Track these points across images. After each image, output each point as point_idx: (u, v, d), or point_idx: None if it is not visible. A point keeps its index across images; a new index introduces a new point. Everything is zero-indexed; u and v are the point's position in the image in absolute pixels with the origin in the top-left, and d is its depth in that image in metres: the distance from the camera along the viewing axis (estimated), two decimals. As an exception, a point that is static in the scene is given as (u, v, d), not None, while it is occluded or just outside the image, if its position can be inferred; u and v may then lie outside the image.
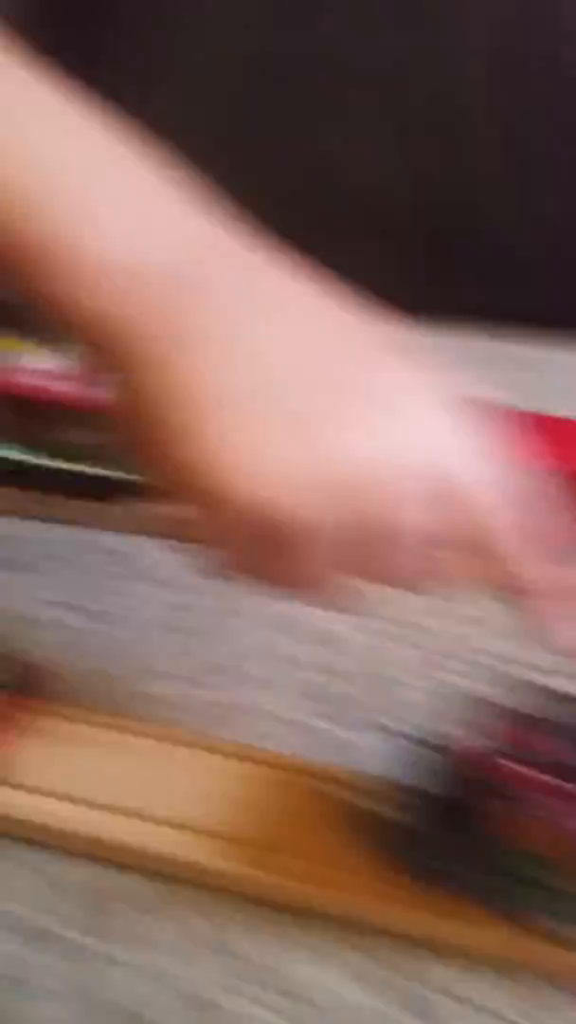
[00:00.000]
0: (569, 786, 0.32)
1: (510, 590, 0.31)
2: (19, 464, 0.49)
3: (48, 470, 0.48)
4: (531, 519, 0.30)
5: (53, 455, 0.48)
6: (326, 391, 0.28)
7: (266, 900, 0.35)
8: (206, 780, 0.38)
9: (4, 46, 0.28)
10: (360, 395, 0.28)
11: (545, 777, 0.32)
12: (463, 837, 0.33)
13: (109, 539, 0.51)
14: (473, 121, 0.62)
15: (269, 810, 0.37)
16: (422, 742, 0.36)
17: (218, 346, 0.27)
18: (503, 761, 0.33)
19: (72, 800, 0.37)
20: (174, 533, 0.45)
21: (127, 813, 0.37)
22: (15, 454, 0.49)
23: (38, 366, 0.47)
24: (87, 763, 0.39)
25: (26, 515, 0.51)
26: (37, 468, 0.49)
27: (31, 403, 0.47)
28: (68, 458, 0.48)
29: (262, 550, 0.28)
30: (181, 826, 0.37)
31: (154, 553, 0.49)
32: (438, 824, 0.34)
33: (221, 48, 0.62)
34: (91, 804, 0.37)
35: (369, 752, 0.40)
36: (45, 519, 0.51)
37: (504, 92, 0.61)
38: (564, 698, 0.35)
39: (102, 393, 0.30)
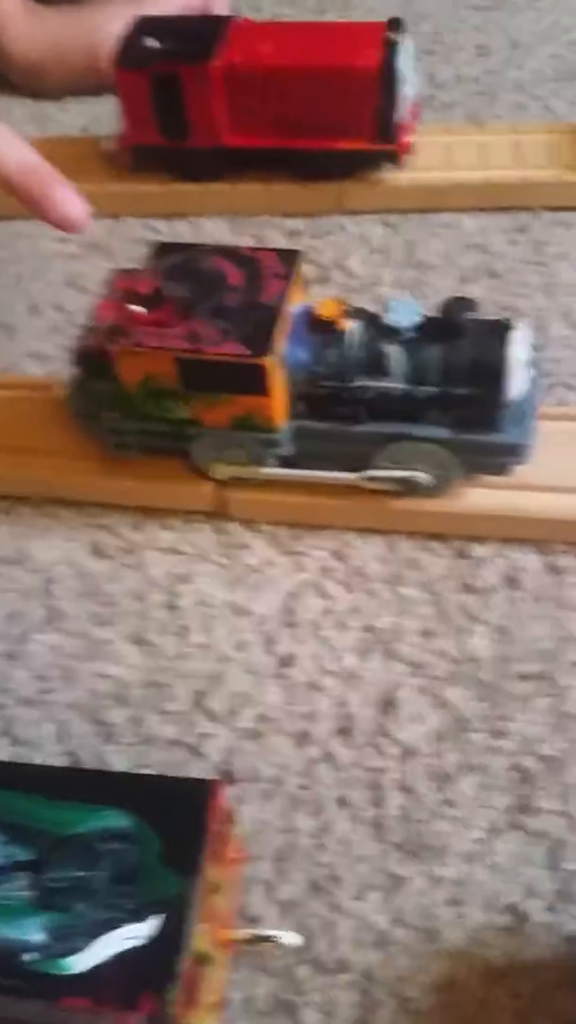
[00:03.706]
0: (161, 312, 0.36)
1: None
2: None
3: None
4: None
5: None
6: None
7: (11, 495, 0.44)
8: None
9: None
10: None
11: (139, 308, 0.37)
12: (106, 384, 0.38)
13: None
14: None
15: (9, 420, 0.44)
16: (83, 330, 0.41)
17: None
18: (127, 307, 0.37)
19: None
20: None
21: None
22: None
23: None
24: None
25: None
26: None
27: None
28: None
29: None
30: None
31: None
32: (90, 378, 0.39)
33: None
34: None
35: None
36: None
37: None
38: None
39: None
